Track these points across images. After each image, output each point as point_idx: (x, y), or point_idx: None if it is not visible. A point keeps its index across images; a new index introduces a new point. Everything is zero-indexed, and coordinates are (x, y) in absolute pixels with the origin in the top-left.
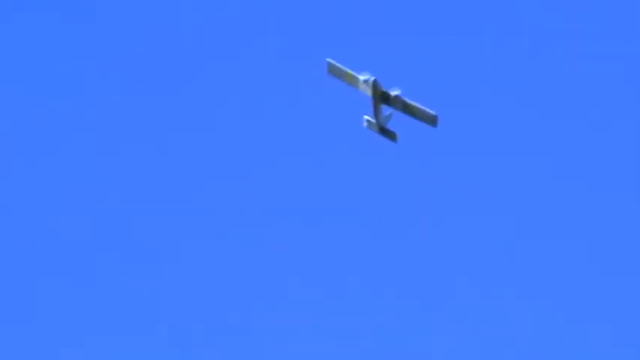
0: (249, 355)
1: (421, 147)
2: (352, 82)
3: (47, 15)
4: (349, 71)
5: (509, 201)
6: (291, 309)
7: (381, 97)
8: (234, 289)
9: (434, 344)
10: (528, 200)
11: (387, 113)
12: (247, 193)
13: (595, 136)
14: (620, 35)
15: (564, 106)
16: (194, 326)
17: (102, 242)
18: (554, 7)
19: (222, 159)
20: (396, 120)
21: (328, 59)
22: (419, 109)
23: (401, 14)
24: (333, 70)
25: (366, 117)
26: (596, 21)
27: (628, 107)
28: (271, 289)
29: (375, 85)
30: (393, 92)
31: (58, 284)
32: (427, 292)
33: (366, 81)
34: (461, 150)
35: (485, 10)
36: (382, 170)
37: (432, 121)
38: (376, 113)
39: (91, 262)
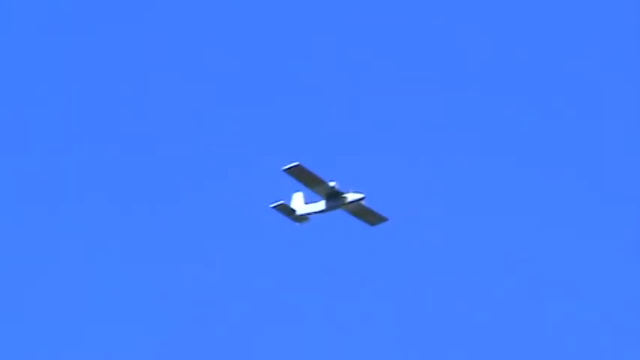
0: None
1: None
2: (314, 184)
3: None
4: (317, 175)
5: None
6: None
7: (335, 199)
8: None
9: None
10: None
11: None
12: None
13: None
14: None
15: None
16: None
17: None
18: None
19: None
20: None
21: (298, 162)
22: (371, 212)
23: None
24: (297, 172)
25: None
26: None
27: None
28: None
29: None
30: (357, 196)
31: None
32: None
33: (333, 187)
34: None
35: None
36: None
37: (380, 222)
38: (315, 211)
39: None
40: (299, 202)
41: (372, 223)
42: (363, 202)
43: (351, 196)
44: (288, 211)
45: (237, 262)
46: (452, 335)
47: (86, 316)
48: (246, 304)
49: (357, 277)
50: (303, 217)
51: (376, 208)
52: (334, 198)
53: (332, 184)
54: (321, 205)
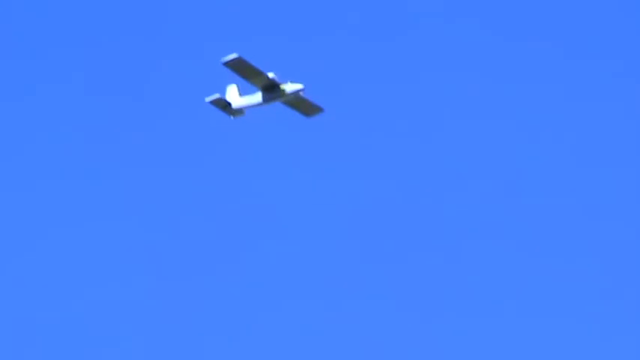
0: None
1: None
2: (252, 76)
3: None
4: (257, 67)
5: None
6: None
7: (273, 91)
8: None
9: None
10: None
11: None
12: None
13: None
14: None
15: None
16: None
17: None
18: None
19: None
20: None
21: (237, 54)
22: (308, 103)
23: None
24: (237, 64)
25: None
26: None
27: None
28: None
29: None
30: (296, 87)
31: None
32: None
33: (272, 78)
34: None
35: None
36: None
37: (315, 113)
38: (253, 103)
39: None
40: (234, 95)
41: (308, 114)
42: (301, 93)
43: (289, 87)
44: (223, 105)
45: (172, 158)
46: (383, 227)
47: None
48: (182, 201)
49: (296, 170)
50: (238, 111)
51: (312, 98)
52: (272, 90)
53: (271, 75)
54: (258, 97)
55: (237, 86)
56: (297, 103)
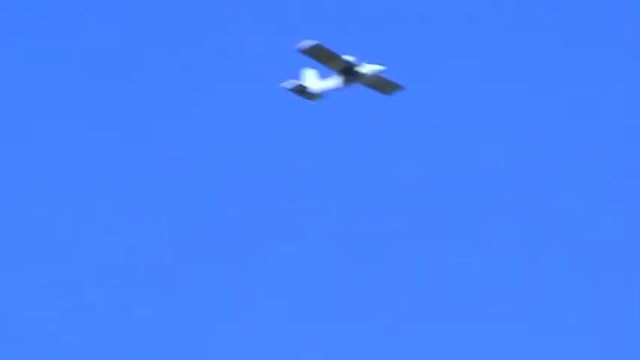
0: None
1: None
2: (330, 61)
3: None
4: (335, 53)
5: None
6: None
7: (352, 74)
8: None
9: None
10: None
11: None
12: None
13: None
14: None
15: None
16: None
17: None
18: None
19: None
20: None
21: (316, 41)
22: (388, 82)
23: None
24: (315, 50)
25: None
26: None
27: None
28: None
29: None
30: (377, 68)
31: None
32: None
33: (351, 62)
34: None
35: None
36: None
37: (395, 91)
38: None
39: None
40: (312, 79)
41: (387, 93)
42: (381, 74)
43: (369, 69)
44: (300, 90)
45: (251, 148)
46: (465, 205)
47: None
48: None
49: (381, 149)
50: (317, 95)
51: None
52: (351, 72)
53: (350, 58)
54: (337, 81)
55: (316, 71)
56: (377, 83)
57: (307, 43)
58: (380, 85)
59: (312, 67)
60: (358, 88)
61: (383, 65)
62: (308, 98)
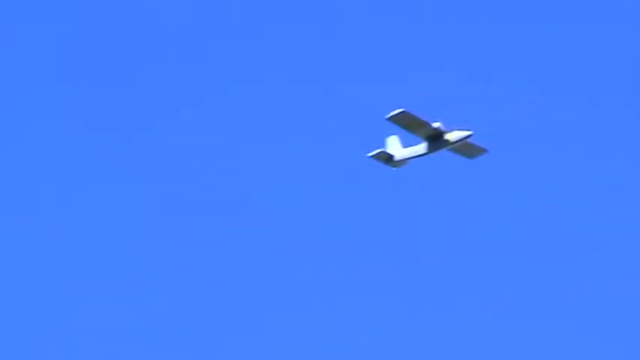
0: None
1: None
2: (417, 128)
3: None
4: (422, 119)
5: None
6: None
7: (438, 140)
8: None
9: None
10: None
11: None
12: None
13: None
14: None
15: None
16: None
17: None
18: None
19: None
20: None
21: (403, 109)
22: (473, 146)
23: None
24: (402, 118)
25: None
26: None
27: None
28: None
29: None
30: (464, 134)
31: None
32: None
33: (437, 128)
34: None
35: None
36: None
37: (479, 154)
38: (417, 154)
39: None
40: (396, 146)
41: (472, 157)
42: (468, 139)
43: (456, 135)
44: (386, 159)
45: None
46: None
47: None
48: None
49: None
50: (401, 162)
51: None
52: (437, 139)
53: (437, 125)
54: (422, 148)
55: (398, 137)
56: (462, 148)
57: (395, 111)
58: (465, 149)
59: (396, 134)
60: (443, 153)
61: (470, 130)
62: (393, 166)
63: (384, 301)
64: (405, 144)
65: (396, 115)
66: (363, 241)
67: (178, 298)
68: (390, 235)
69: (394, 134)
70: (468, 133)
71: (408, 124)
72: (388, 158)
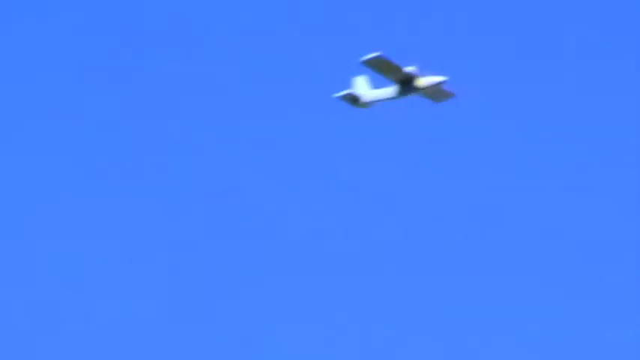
0: None
1: None
2: (391, 72)
3: None
4: (397, 64)
5: None
6: None
7: (409, 85)
8: None
9: None
10: None
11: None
12: None
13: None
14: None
15: None
16: None
17: None
18: None
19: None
20: None
21: (379, 52)
22: (442, 91)
23: None
24: (378, 62)
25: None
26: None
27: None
28: None
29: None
30: (437, 79)
31: None
32: None
33: (411, 72)
34: None
35: None
36: None
37: (446, 98)
38: (386, 97)
39: None
40: (364, 88)
41: (439, 101)
42: (440, 85)
43: (429, 81)
44: (353, 100)
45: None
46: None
47: None
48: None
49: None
50: (368, 104)
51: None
52: (409, 83)
53: (411, 69)
54: (391, 91)
55: (367, 78)
56: (431, 92)
57: (371, 55)
58: (434, 94)
59: (366, 75)
60: (412, 97)
61: (443, 76)
62: (359, 107)
63: (341, 243)
64: (374, 86)
65: (372, 59)
66: (325, 180)
67: (161, 296)
68: (353, 175)
69: (362, 75)
70: (441, 79)
71: (383, 69)
72: (355, 99)
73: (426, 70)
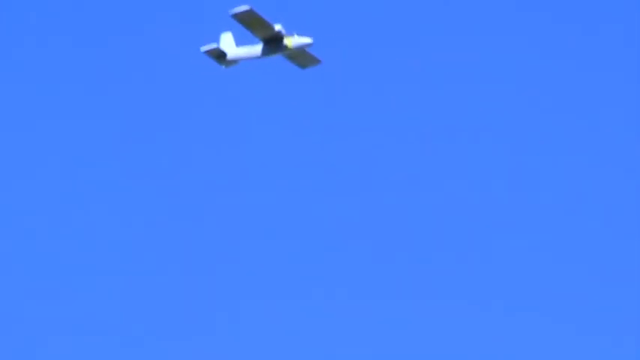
0: None
1: None
2: (259, 28)
3: None
4: (266, 20)
5: None
6: None
7: (276, 44)
8: None
9: None
10: None
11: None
12: None
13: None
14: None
15: None
16: None
17: None
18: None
19: None
20: None
21: (248, 6)
22: (309, 55)
23: None
24: (247, 16)
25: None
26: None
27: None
28: None
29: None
30: (304, 40)
31: None
32: None
33: (278, 31)
34: None
35: None
36: None
37: (313, 64)
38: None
39: None
40: (229, 44)
41: (304, 66)
42: (307, 47)
43: (296, 41)
44: (218, 55)
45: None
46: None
47: None
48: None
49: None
50: (232, 61)
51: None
52: (275, 43)
53: (278, 27)
54: (257, 49)
55: (232, 35)
56: (297, 56)
57: (240, 7)
58: (300, 58)
59: (232, 31)
60: (276, 59)
61: (310, 38)
62: (222, 64)
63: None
64: (240, 42)
65: (241, 12)
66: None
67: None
68: (211, 134)
69: (229, 31)
70: (307, 40)
71: (251, 23)
72: (220, 55)
73: (294, 31)
